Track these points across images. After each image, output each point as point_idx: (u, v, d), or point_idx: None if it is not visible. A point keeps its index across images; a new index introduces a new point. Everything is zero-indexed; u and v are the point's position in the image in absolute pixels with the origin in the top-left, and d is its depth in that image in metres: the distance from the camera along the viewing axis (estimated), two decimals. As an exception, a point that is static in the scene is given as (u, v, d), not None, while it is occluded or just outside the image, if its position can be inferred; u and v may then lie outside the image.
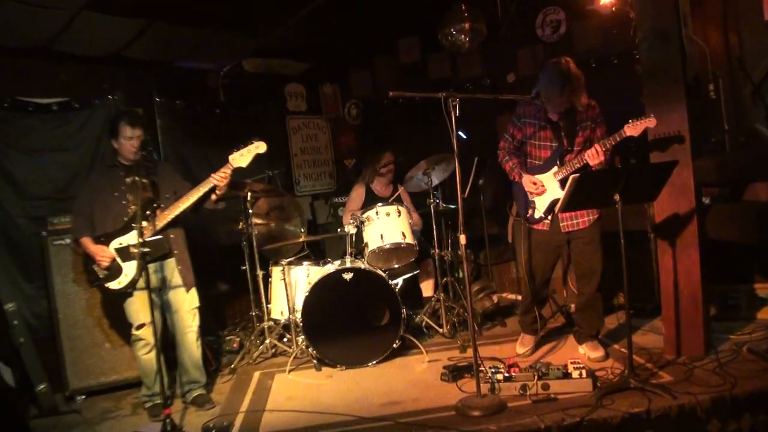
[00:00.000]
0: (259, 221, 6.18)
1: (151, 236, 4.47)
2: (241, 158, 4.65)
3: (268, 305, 5.99)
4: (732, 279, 5.22)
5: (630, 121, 4.31)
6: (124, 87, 6.10)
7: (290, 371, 5.27)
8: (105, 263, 4.50)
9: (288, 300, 5.65)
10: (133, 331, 4.60)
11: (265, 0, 6.07)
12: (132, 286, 4.51)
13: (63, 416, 4.79)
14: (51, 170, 5.59)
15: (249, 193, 5.78)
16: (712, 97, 5.66)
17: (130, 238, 4.45)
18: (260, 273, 5.90)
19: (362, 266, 5.35)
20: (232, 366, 5.50)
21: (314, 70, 8.17)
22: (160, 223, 4.56)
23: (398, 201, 6.22)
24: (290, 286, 5.70)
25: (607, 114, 4.69)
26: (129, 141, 4.55)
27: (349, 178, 8.24)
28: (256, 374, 5.35)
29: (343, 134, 8.71)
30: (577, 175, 3.94)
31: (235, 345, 6.05)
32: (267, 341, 5.78)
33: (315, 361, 5.28)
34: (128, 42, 5.72)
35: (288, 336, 5.83)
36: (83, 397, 5.12)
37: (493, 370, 4.30)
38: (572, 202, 4.11)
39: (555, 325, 5.68)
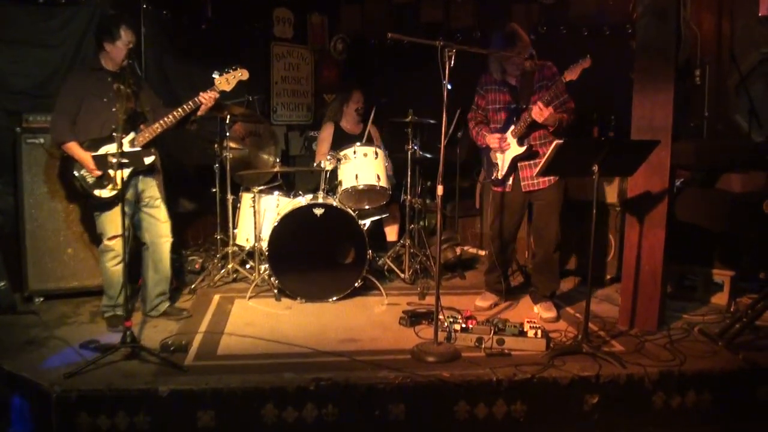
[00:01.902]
0: (234, 145, 6.11)
1: (140, 146, 4.50)
2: (226, 83, 4.71)
3: (234, 230, 5.98)
4: (691, 261, 5.37)
5: (570, 66, 4.41)
6: (112, -11, 5.90)
7: (250, 298, 5.32)
8: (99, 171, 4.41)
9: (255, 227, 5.67)
10: (105, 242, 4.57)
11: None
12: (128, 198, 4.48)
13: (21, 315, 4.76)
14: (31, 65, 5.38)
15: (228, 116, 5.73)
16: (697, 83, 5.74)
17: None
18: (230, 197, 5.87)
19: (334, 203, 5.37)
20: (193, 286, 5.54)
21: (305, -4, 8.02)
22: (147, 136, 4.55)
23: (369, 139, 6.23)
24: (259, 214, 5.71)
25: (593, 84, 4.72)
26: (126, 45, 4.46)
27: (328, 112, 8.17)
28: (216, 297, 5.40)
29: (327, 68, 8.60)
30: (560, 141, 4.00)
31: (197, 266, 6.06)
32: (229, 266, 5.81)
33: (276, 291, 5.33)
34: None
35: (251, 263, 5.86)
36: (41, 299, 5.09)
37: (451, 320, 4.41)
38: (551, 167, 4.17)
39: (514, 284, 5.78)
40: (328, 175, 5.61)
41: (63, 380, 3.62)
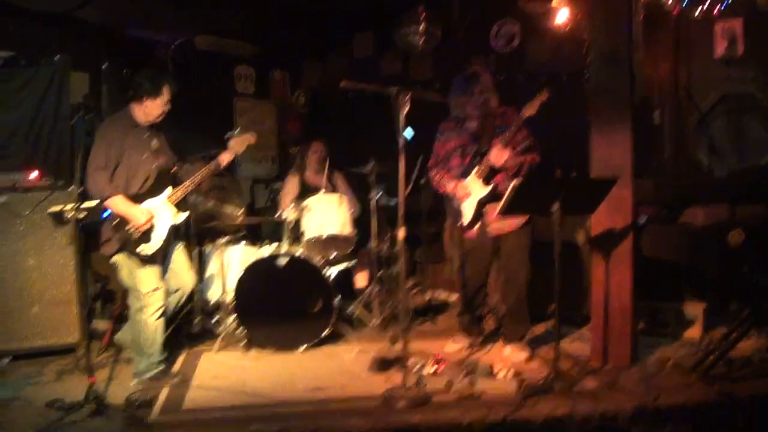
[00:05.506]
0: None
1: (174, 204, 4.57)
2: (239, 146, 4.87)
3: (200, 283, 5.91)
4: (662, 296, 5.37)
5: (527, 103, 4.52)
6: (72, 49, 5.92)
7: (218, 351, 5.23)
8: (147, 225, 4.39)
9: (222, 279, 5.61)
10: (145, 297, 4.46)
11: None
12: (163, 252, 4.53)
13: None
14: (-11, 126, 5.40)
15: (192, 170, 5.72)
16: (656, 123, 5.86)
17: (158, 203, 4.48)
18: (195, 250, 5.81)
19: (297, 254, 5.35)
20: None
21: (266, 55, 8.09)
22: (181, 193, 4.62)
23: (333, 187, 6.25)
24: (225, 266, 5.65)
25: (554, 130, 4.81)
26: (165, 105, 4.55)
27: (292, 165, 8.19)
28: (183, 351, 5.29)
29: (290, 121, 8.66)
30: (517, 180, 4.04)
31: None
32: (196, 319, 5.71)
33: (243, 342, 5.25)
34: (82, 2, 5.56)
35: (218, 316, 5.77)
36: (8, 359, 4.95)
37: (420, 364, 4.36)
38: (511, 206, 4.19)
39: (487, 327, 5.74)
40: (292, 226, 5.59)
41: (27, 441, 3.51)
